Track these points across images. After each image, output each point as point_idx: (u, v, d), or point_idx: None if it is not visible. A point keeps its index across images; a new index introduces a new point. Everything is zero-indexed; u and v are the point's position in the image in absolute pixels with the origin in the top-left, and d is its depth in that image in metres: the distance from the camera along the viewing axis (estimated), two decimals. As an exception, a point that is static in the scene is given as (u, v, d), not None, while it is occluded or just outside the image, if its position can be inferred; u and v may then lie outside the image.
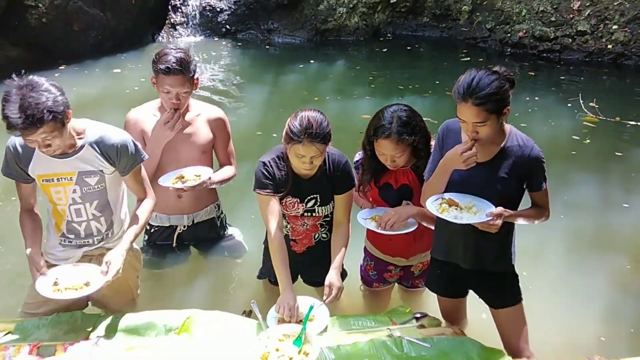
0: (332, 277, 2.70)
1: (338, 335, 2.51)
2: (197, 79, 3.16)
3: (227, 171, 3.35)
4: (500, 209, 2.37)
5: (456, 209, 2.44)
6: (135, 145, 2.65)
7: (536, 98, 7.29)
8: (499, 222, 2.37)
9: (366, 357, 2.34)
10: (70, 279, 2.50)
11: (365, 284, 3.22)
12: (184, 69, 3.01)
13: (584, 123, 6.38)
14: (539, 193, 2.52)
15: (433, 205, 2.48)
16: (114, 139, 2.57)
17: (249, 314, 2.70)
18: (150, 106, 3.25)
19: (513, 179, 2.45)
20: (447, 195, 2.49)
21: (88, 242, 2.73)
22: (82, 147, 2.53)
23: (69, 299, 2.46)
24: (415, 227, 2.78)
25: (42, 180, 2.58)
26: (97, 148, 2.56)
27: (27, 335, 2.45)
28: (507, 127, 2.48)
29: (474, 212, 2.41)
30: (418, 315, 2.64)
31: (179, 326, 2.50)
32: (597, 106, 6.63)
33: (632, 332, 3.41)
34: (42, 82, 2.32)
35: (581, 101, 6.79)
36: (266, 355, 2.30)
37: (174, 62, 2.99)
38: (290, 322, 2.53)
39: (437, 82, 7.91)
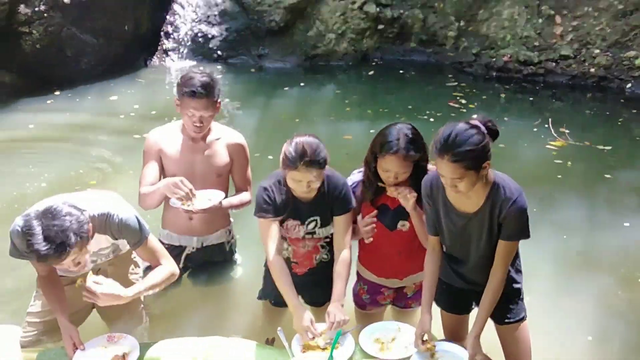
0: (334, 309, 2.66)
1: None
2: (220, 102, 3.21)
3: (241, 197, 3.37)
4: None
5: None
6: (138, 223, 2.61)
7: (505, 119, 7.41)
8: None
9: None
10: (105, 354, 2.52)
11: (358, 307, 3.19)
12: (208, 93, 3.08)
13: (547, 147, 6.46)
14: (507, 243, 2.46)
15: None
16: (114, 220, 2.53)
17: (272, 341, 2.70)
18: (171, 127, 3.33)
19: (499, 229, 2.47)
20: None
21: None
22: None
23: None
24: None
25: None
26: (102, 232, 2.56)
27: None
28: (492, 176, 2.44)
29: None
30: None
31: (204, 354, 2.51)
32: (567, 131, 6.75)
33: (620, 351, 3.48)
34: (60, 208, 2.26)
35: (550, 126, 6.90)
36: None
37: (199, 86, 3.05)
38: (316, 339, 2.56)
39: (410, 107, 7.97)
